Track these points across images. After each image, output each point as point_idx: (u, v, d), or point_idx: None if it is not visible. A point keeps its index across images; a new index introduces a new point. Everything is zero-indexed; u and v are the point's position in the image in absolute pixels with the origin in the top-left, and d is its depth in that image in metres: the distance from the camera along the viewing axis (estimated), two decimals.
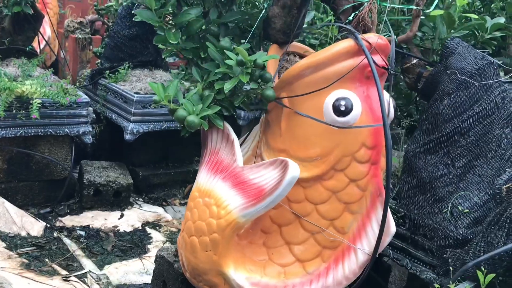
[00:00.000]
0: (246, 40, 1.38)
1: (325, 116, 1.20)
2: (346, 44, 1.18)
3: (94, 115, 2.52)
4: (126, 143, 2.60)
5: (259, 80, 1.22)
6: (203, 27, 1.38)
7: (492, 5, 1.97)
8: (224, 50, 1.23)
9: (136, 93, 2.60)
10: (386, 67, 1.20)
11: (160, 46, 1.33)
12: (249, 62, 1.19)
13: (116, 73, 2.78)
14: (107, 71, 2.79)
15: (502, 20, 1.71)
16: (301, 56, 1.45)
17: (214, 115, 1.25)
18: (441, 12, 1.60)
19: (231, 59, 1.21)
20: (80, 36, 4.07)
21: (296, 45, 1.44)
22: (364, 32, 1.22)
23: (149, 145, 2.78)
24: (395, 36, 1.25)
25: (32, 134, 2.23)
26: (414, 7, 1.19)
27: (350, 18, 1.22)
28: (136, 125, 2.58)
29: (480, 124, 1.46)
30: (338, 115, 1.18)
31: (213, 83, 1.28)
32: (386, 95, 1.26)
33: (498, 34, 1.72)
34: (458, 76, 1.51)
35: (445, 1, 1.70)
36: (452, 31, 1.68)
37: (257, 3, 1.46)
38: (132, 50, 2.86)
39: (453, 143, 1.51)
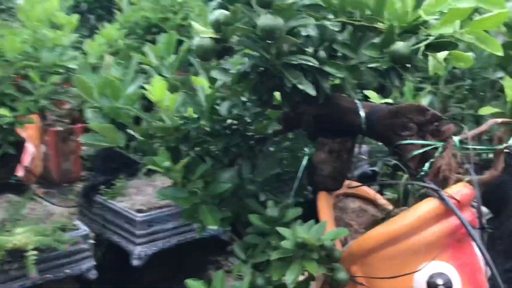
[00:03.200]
0: (292, 194, 1.14)
1: None
2: (430, 206, 0.95)
3: (93, 240, 2.24)
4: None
5: (327, 262, 0.97)
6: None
7: None
8: (278, 229, 0.98)
9: (139, 210, 2.33)
10: (481, 225, 0.97)
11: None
12: (314, 246, 0.94)
13: (112, 186, 2.51)
14: (102, 186, 2.52)
15: None
16: (359, 197, 1.21)
17: None
18: (493, 110, 1.39)
19: (285, 238, 0.97)
20: (60, 129, 3.81)
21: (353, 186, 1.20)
22: (444, 180, 1.00)
23: (159, 263, 2.49)
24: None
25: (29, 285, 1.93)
26: (498, 147, 0.96)
27: (426, 167, 0.99)
28: (143, 247, 2.29)
29: None
30: None
31: (263, 265, 1.03)
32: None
33: None
34: None
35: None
36: None
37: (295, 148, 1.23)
38: (126, 159, 2.60)
39: None
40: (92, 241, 2.17)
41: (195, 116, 1.10)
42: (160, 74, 1.26)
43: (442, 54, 0.85)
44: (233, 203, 1.14)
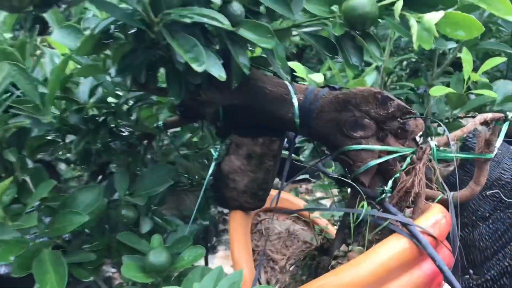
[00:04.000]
0: (192, 218, 0.77)
1: None
2: (395, 249, 0.62)
3: None
4: None
5: None
6: None
7: None
8: None
9: None
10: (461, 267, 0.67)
11: None
12: None
13: None
14: None
15: None
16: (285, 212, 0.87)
17: None
18: (447, 90, 1.11)
19: None
20: None
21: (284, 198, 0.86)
22: (414, 204, 0.68)
23: None
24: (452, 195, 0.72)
25: None
26: (479, 155, 0.66)
27: (388, 187, 0.66)
28: None
29: None
30: None
31: None
32: None
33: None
34: (495, 191, 1.04)
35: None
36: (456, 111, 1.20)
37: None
38: None
39: None
40: None
41: (33, 103, 0.68)
42: None
43: (434, 16, 0.51)
44: (103, 235, 0.75)
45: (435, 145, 0.65)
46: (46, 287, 0.59)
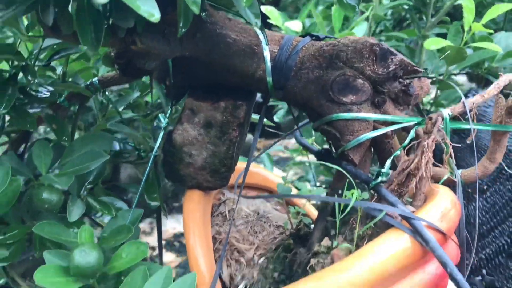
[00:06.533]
0: (134, 203, 0.61)
1: None
2: (395, 249, 0.48)
3: None
4: None
5: None
6: None
7: None
8: None
9: None
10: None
11: None
12: None
13: None
14: None
15: None
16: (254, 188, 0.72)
17: None
18: (444, 42, 0.96)
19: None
20: None
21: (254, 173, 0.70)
22: (417, 189, 0.53)
23: None
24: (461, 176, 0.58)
25: None
26: (498, 127, 0.52)
27: (385, 169, 0.51)
28: None
29: None
30: None
31: None
32: None
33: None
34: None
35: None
36: (452, 67, 1.05)
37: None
38: None
39: (497, 267, 0.96)
40: None
41: None
42: None
43: None
44: (22, 224, 0.59)
45: (449, 114, 0.50)
46: None
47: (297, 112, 0.84)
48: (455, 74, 1.11)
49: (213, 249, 0.64)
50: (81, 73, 0.64)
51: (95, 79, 0.62)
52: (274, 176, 0.77)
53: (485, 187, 0.95)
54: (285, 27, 1.03)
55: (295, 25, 1.03)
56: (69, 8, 0.39)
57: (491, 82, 0.57)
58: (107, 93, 0.65)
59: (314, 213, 0.74)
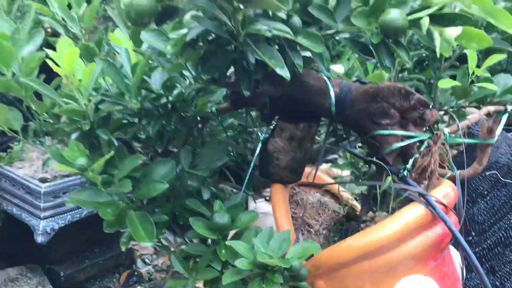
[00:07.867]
0: (243, 190, 0.92)
1: None
2: (416, 214, 0.78)
3: None
4: None
5: (290, 282, 0.79)
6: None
7: None
8: (232, 243, 0.78)
9: (42, 179, 1.99)
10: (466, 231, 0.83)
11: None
12: (279, 267, 0.74)
13: (8, 150, 2.13)
14: None
15: None
16: (315, 186, 1.03)
17: None
18: (453, 83, 1.26)
19: (238, 254, 0.76)
20: None
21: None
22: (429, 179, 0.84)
23: (68, 236, 2.18)
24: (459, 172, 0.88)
25: None
26: (482, 141, 0.82)
27: (409, 165, 0.82)
28: (49, 221, 1.97)
29: None
30: None
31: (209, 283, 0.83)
32: (457, 257, 0.90)
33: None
34: (493, 172, 1.20)
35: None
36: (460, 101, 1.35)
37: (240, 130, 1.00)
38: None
39: (496, 256, 1.22)
40: None
41: (116, 90, 0.83)
42: (66, 31, 0.95)
43: (453, 31, 0.66)
44: (169, 201, 0.90)
45: (448, 132, 0.81)
46: (138, 237, 0.75)
47: (343, 132, 1.15)
48: (464, 107, 1.41)
49: (292, 224, 0.95)
50: (203, 106, 0.97)
51: (214, 108, 0.95)
52: (326, 177, 1.08)
53: (485, 192, 1.23)
54: (331, 69, 1.36)
55: (339, 68, 1.35)
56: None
57: None
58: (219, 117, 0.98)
59: (357, 205, 1.05)
